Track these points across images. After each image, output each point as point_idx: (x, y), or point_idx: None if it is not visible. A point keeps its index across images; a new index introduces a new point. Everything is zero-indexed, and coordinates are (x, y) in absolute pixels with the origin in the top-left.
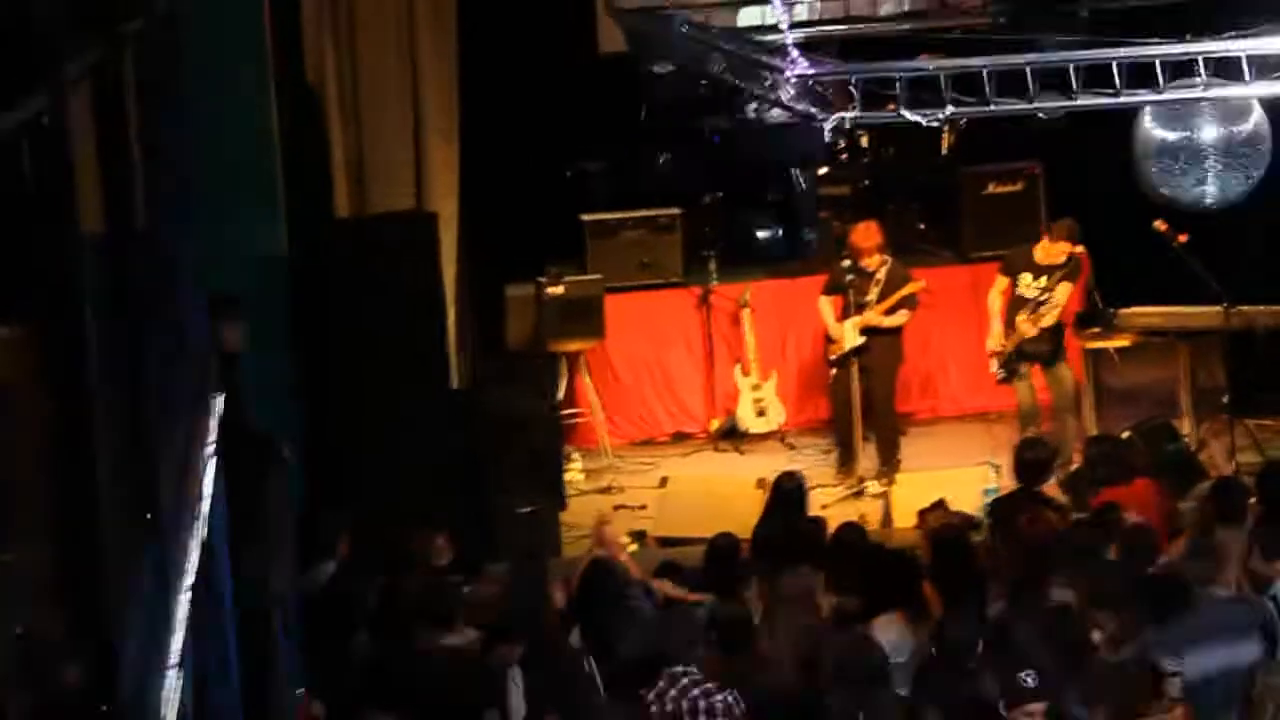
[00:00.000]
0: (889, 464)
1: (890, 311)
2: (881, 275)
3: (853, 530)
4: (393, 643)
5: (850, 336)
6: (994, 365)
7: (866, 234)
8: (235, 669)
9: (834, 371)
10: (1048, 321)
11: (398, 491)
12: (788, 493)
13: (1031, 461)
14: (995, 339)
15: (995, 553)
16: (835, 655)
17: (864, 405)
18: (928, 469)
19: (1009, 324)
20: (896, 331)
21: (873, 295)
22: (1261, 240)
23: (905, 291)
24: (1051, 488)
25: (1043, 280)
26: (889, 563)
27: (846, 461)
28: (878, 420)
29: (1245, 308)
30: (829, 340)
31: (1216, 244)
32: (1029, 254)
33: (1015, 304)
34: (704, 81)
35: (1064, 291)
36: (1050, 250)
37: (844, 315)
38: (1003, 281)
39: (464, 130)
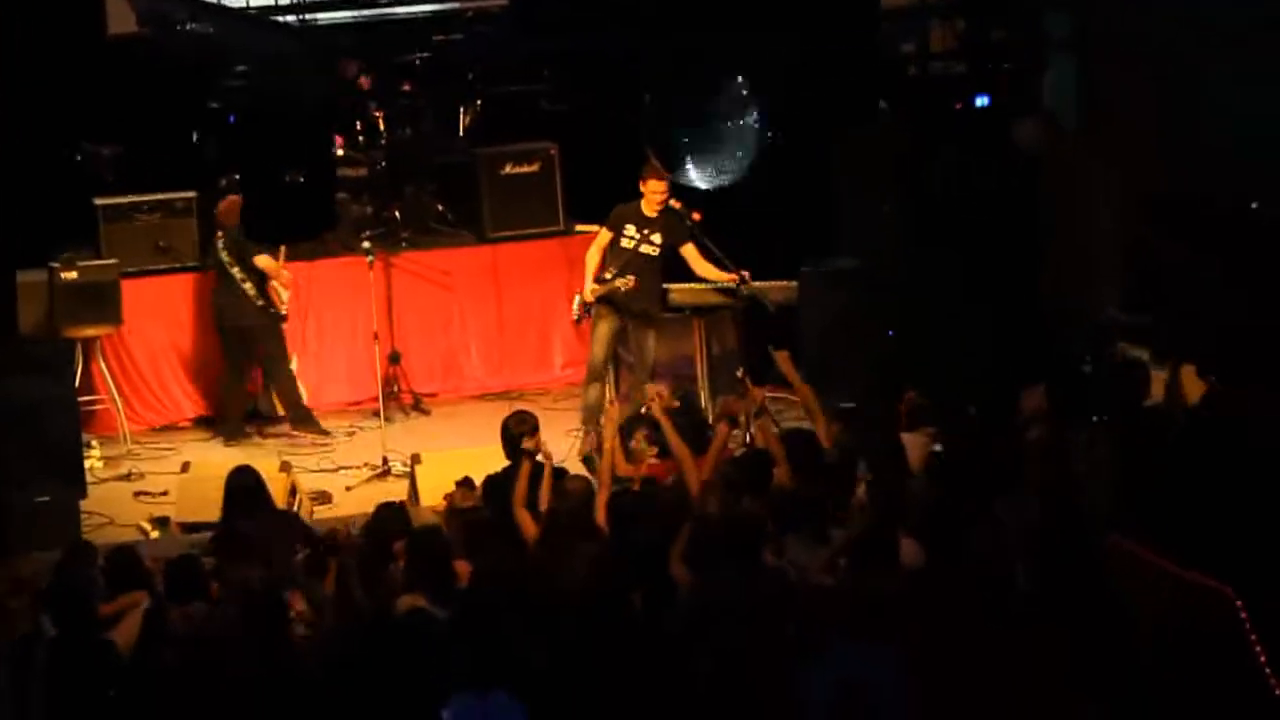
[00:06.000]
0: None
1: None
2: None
3: (389, 509)
4: None
5: None
6: (575, 312)
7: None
8: None
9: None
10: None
11: None
12: (242, 488)
13: (518, 435)
14: (588, 292)
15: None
16: None
17: None
18: (453, 448)
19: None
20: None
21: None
22: (772, 218)
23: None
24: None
25: (645, 231)
26: (420, 541)
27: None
28: None
29: (757, 283)
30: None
31: (729, 221)
32: (637, 208)
33: (614, 255)
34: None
35: (658, 240)
36: (653, 198)
37: None
38: (605, 236)
39: None
